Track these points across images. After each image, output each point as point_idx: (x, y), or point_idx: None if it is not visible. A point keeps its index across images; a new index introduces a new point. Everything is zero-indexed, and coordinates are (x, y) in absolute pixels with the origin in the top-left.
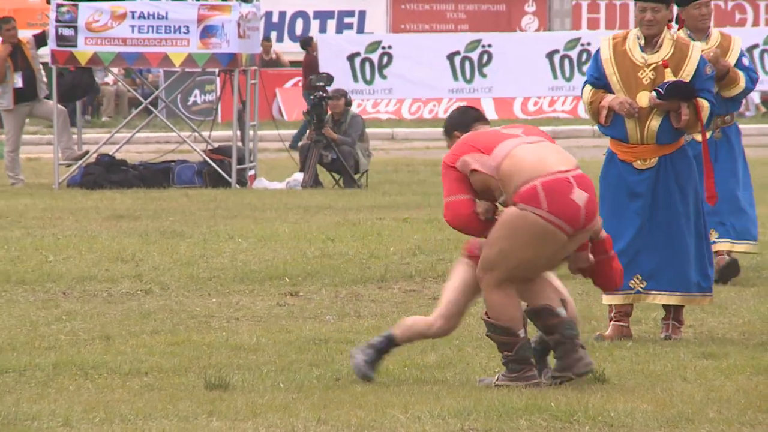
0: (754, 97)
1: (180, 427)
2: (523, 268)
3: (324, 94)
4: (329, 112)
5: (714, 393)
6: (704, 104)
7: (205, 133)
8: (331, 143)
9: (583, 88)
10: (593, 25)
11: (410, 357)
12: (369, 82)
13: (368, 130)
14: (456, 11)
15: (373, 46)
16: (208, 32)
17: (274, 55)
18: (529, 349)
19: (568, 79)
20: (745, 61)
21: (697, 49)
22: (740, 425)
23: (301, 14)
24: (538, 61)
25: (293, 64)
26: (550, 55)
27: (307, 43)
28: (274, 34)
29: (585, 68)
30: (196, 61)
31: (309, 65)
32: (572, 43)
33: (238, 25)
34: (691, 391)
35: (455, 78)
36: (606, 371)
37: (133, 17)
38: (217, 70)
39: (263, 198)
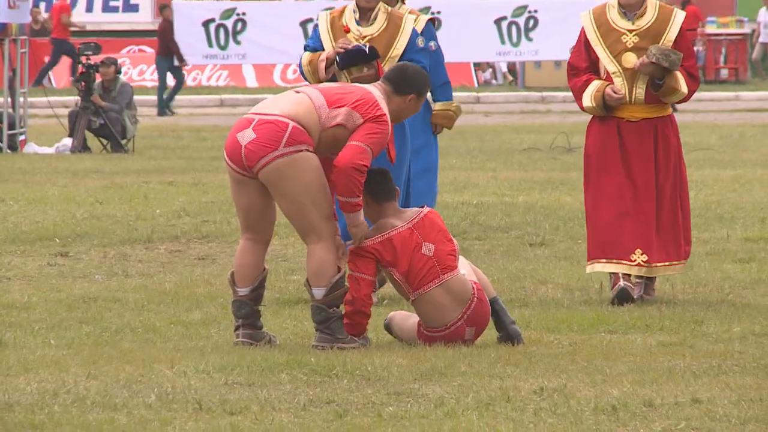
0: (502, 65)
1: None
2: (239, 213)
3: (93, 63)
4: (99, 80)
5: (465, 349)
6: None
7: None
8: (99, 110)
9: (301, 57)
10: None
11: (176, 314)
12: (223, 48)
13: (135, 98)
14: None
15: (228, 12)
16: None
17: (41, 24)
18: (240, 308)
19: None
20: (421, 42)
21: (410, 22)
22: (490, 378)
23: None
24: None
25: None
26: (498, 22)
27: (163, 9)
28: (42, 5)
29: (531, 34)
30: None
31: (164, 32)
32: (520, 10)
33: None
34: (443, 348)
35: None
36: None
37: None
38: None
39: (33, 162)
